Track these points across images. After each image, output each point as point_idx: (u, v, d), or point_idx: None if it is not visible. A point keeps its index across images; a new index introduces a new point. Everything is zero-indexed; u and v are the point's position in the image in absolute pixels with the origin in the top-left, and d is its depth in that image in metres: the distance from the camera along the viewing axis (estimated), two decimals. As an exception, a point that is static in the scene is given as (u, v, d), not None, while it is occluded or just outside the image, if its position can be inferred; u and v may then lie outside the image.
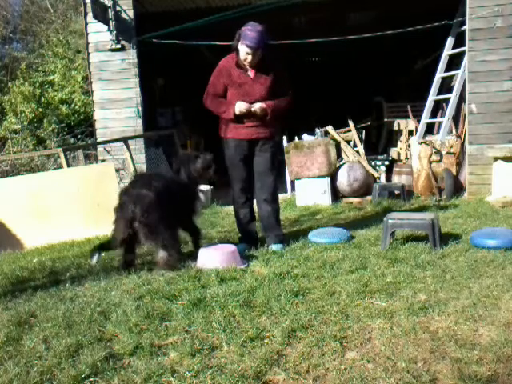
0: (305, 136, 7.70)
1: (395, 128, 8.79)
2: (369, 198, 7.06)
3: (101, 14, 7.13)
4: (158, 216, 3.62)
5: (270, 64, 4.13)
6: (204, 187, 6.66)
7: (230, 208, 5.06)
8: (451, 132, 7.30)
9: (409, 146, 7.87)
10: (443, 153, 7.13)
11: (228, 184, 4.46)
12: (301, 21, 9.67)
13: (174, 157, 4.34)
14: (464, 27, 7.00)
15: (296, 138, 7.85)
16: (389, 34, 7.29)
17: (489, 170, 6.60)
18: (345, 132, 8.13)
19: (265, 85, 4.11)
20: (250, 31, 3.92)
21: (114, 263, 4.05)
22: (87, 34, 7.55)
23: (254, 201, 4.44)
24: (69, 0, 17.07)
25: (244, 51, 3.98)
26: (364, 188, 7.30)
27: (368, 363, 2.28)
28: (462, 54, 7.10)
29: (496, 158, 6.41)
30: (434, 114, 7.90)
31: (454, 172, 7.03)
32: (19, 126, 11.86)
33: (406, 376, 2.16)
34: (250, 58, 4.00)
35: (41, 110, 12.35)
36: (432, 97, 7.65)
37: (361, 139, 8.05)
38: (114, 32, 7.34)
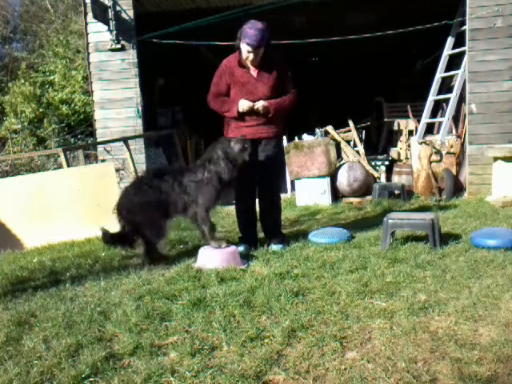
0: (305, 136, 7.70)
1: (395, 128, 8.79)
2: (369, 197, 7.05)
3: (101, 14, 7.14)
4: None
5: (273, 63, 4.11)
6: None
7: (230, 208, 5.06)
8: (451, 132, 7.30)
9: (409, 145, 7.87)
10: (443, 153, 7.12)
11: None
12: (301, 21, 9.66)
13: (209, 145, 4.12)
14: (464, 27, 7.00)
15: (296, 137, 7.85)
16: (389, 33, 7.29)
17: (489, 170, 6.60)
18: (345, 132, 8.13)
19: (268, 83, 4.09)
20: (251, 29, 3.90)
21: (114, 263, 4.06)
22: (87, 33, 7.56)
23: (256, 200, 4.43)
24: (69, 0, 17.07)
25: (245, 49, 3.96)
26: (364, 188, 7.30)
27: (368, 363, 2.28)
28: (462, 53, 7.10)
29: (496, 158, 6.41)
30: (434, 114, 7.91)
31: (454, 172, 7.02)
32: (19, 126, 11.87)
33: (405, 376, 2.16)
34: (251, 56, 3.98)
35: (41, 110, 12.37)
36: (432, 97, 7.65)
37: (361, 139, 8.06)
38: (114, 32, 7.34)
